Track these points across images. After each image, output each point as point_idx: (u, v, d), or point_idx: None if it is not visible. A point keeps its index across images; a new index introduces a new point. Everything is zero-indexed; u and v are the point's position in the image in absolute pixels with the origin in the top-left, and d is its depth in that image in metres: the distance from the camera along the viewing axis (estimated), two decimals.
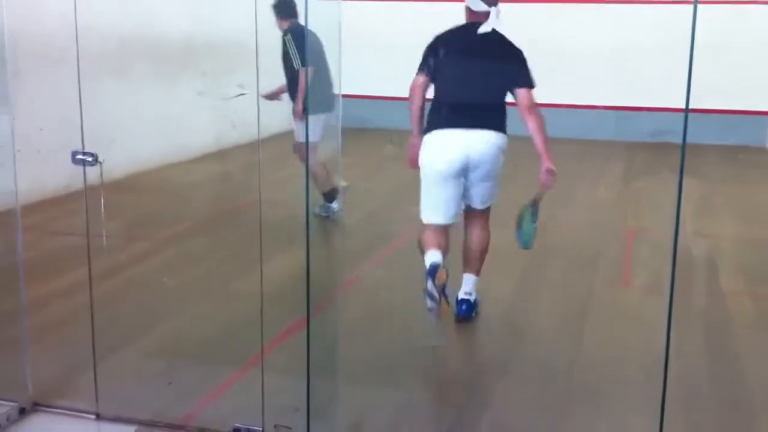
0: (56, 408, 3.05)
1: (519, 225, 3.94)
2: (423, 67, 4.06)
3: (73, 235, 4.23)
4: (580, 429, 3.00)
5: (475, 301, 4.09)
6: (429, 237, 3.91)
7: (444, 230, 3.97)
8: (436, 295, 3.63)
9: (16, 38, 5.89)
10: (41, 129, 6.30)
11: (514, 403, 3.20)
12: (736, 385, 3.36)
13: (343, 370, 2.92)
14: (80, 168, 3.07)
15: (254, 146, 5.62)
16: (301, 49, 5.51)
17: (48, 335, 3.75)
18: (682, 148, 2.41)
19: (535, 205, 3.98)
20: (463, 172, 3.92)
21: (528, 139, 3.81)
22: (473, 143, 3.88)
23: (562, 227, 6.17)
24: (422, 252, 3.89)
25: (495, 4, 3.97)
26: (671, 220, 2.43)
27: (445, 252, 3.90)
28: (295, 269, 2.92)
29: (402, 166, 5.62)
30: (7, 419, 2.93)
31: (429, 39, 4.17)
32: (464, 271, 4.10)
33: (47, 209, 6.03)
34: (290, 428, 2.84)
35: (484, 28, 3.92)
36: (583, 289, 4.55)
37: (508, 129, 3.95)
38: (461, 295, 4.06)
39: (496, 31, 3.93)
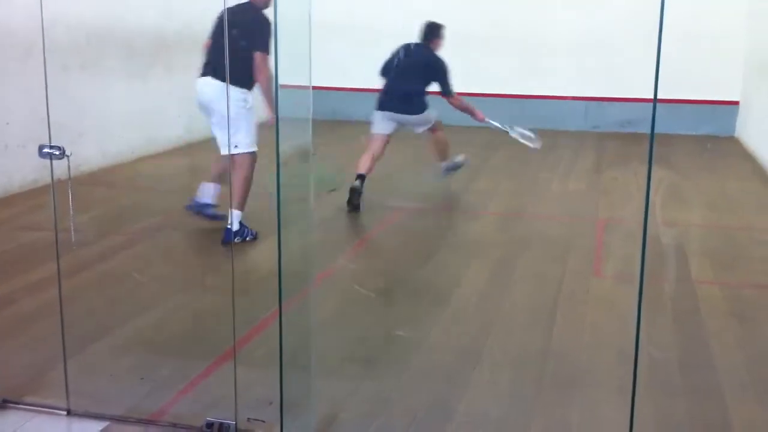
0: (26, 404, 3.01)
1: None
2: None
3: (42, 230, 4.19)
4: (553, 416, 3.02)
5: None
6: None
7: None
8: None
9: None
10: (8, 123, 6.21)
11: (488, 391, 3.22)
12: (706, 372, 3.41)
13: (316, 363, 2.91)
14: (49, 162, 3.02)
15: None
16: None
17: (17, 331, 3.70)
18: (650, 138, 2.42)
19: None
20: None
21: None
22: None
23: (533, 218, 6.21)
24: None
25: None
26: (641, 209, 2.45)
27: None
28: (269, 262, 2.91)
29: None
30: None
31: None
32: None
33: (15, 204, 5.96)
34: (263, 422, 2.84)
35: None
36: (555, 278, 4.59)
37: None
38: None
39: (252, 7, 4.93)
